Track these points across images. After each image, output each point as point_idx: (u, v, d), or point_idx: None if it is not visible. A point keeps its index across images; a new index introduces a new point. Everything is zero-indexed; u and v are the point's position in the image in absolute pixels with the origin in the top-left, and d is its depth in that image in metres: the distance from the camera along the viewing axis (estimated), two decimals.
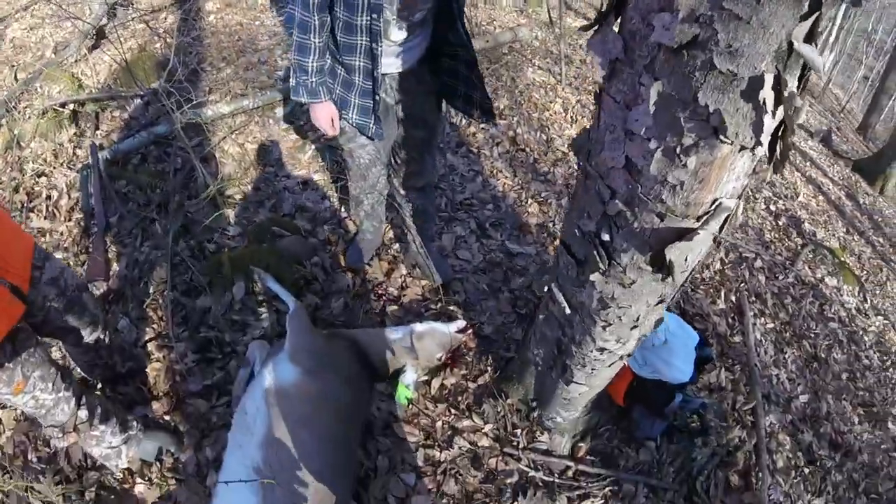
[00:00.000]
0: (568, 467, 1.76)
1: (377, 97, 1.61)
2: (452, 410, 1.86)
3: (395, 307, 2.19)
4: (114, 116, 2.95)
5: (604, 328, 1.14)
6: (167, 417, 1.72)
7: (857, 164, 6.96)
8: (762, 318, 2.89)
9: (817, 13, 0.60)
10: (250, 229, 2.36)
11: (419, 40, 1.59)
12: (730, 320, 2.71)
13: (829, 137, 7.35)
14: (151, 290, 2.09)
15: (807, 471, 2.16)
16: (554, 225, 2.81)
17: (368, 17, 1.43)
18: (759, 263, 3.27)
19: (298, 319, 1.74)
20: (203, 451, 1.61)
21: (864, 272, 4.27)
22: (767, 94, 0.66)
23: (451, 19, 1.55)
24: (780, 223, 4.01)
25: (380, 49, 1.49)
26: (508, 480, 1.69)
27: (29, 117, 2.97)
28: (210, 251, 2.25)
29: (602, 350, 1.21)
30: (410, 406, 1.83)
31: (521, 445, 1.77)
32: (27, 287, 1.18)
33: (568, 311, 1.21)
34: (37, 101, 3.22)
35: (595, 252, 1.02)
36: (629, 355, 1.31)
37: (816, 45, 0.63)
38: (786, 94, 0.66)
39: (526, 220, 2.82)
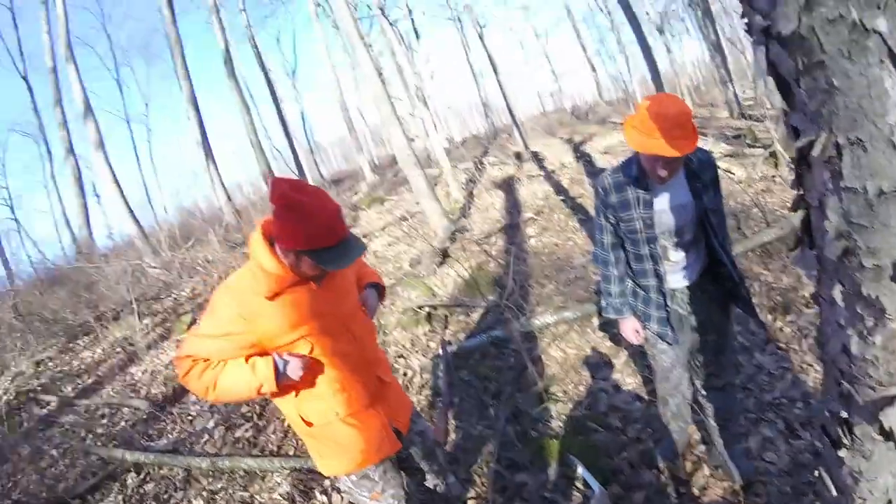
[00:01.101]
0: None
1: (668, 309, 1.88)
2: None
3: None
4: (460, 320, 3.88)
5: None
6: None
7: None
8: None
9: None
10: (568, 422, 2.67)
11: (695, 257, 1.87)
12: None
13: None
14: (479, 460, 2.51)
15: None
16: None
17: (649, 248, 1.81)
18: None
19: (602, 502, 1.89)
20: None
21: None
22: None
23: (711, 233, 1.80)
24: None
25: (663, 269, 1.83)
26: None
27: (393, 313, 4.02)
28: (533, 436, 2.61)
29: None
30: None
31: None
32: (405, 432, 1.68)
33: (834, 493, 1.14)
34: (399, 301, 4.41)
35: (839, 429, 1.07)
36: None
37: None
38: None
39: None
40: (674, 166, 1.66)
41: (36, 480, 3.57)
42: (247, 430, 3.39)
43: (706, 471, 2.29)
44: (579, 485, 2.24)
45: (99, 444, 3.87)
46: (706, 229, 1.83)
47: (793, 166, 1.03)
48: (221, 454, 3.24)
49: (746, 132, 8.20)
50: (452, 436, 2.74)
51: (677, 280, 1.92)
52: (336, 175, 22.55)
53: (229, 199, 12.05)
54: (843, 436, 1.11)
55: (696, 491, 2.22)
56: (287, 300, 1.41)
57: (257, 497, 2.75)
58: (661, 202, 1.78)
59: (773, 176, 5.41)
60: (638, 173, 1.75)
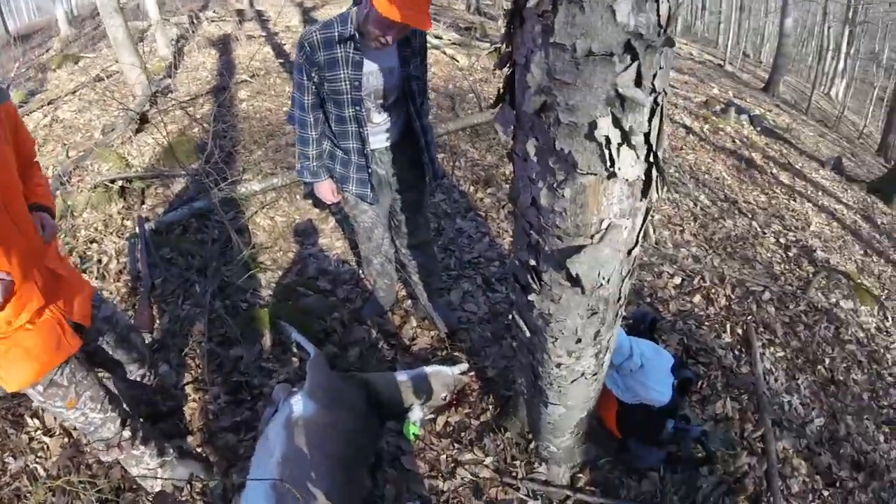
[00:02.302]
0: (568, 497, 1.83)
1: (370, 170, 1.93)
2: (456, 445, 1.99)
3: (406, 355, 2.38)
4: (158, 192, 3.35)
5: (553, 343, 1.30)
6: (200, 449, 1.93)
7: (872, 185, 6.81)
8: (772, 348, 2.89)
9: (637, 63, 0.80)
10: (278, 290, 2.66)
11: (395, 118, 1.94)
12: (736, 352, 2.74)
13: (839, 164, 7.30)
14: (190, 342, 2.36)
15: (826, 493, 2.12)
16: None
17: (353, 109, 1.79)
18: (767, 296, 3.29)
19: (317, 363, 1.96)
20: (230, 478, 1.81)
21: (885, 291, 4.18)
22: (609, 133, 0.87)
23: (410, 98, 1.88)
24: (791, 254, 4.03)
25: (366, 132, 1.85)
26: None
27: (81, 191, 3.35)
28: (243, 309, 2.53)
29: (559, 365, 1.36)
30: (417, 441, 1.97)
31: (520, 476, 1.87)
32: (88, 323, 1.44)
33: (528, 333, 1.38)
34: (88, 176, 3.64)
35: (528, 276, 1.22)
36: (595, 375, 1.45)
37: (647, 84, 0.83)
38: (626, 128, 0.86)
39: None
40: (399, 35, 1.63)
41: None
42: None
43: (414, 323, 2.54)
44: (295, 350, 2.28)
45: None
46: (408, 94, 1.85)
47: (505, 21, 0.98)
48: None
49: (478, 27, 8.80)
50: (159, 321, 2.47)
51: (379, 141, 1.94)
52: (26, 29, 16.39)
53: None
54: (532, 282, 1.23)
55: (406, 342, 2.46)
56: None
57: None
58: (370, 65, 1.74)
59: (494, 69, 5.97)
60: (352, 33, 1.65)
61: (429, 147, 2.00)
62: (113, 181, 3.37)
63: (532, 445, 1.92)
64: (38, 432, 2.03)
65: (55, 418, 2.01)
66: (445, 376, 2.06)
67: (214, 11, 8.72)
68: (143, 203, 3.29)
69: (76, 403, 1.40)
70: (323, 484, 1.49)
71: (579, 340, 1.28)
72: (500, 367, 2.33)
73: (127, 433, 1.55)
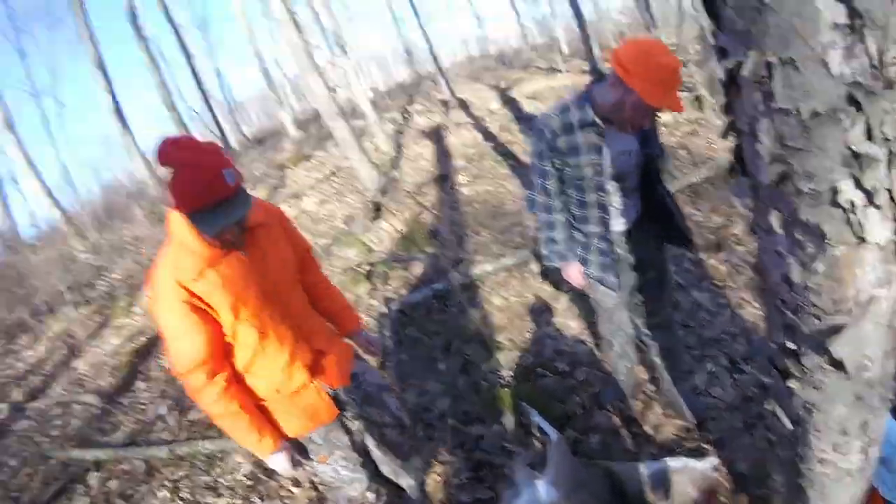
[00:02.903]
0: None
1: (613, 254, 1.89)
2: None
3: (650, 445, 2.22)
4: (400, 275, 3.82)
5: (816, 436, 1.13)
6: None
7: None
8: None
9: (862, 114, 0.70)
10: (517, 370, 2.73)
11: (636, 199, 1.89)
12: None
13: None
14: (434, 417, 2.53)
15: None
16: None
17: (596, 194, 1.77)
18: None
19: (560, 449, 1.94)
20: None
21: None
22: (852, 196, 0.76)
23: (656, 177, 1.83)
24: None
25: (609, 216, 1.81)
26: None
27: (333, 275, 3.92)
28: (484, 388, 2.64)
29: (822, 461, 1.16)
30: None
31: None
32: (347, 383, 1.60)
33: (790, 426, 1.22)
34: (337, 262, 4.34)
35: (787, 361, 1.09)
36: (862, 472, 1.19)
37: (877, 135, 0.73)
38: (868, 187, 0.75)
39: None
40: (654, 117, 1.64)
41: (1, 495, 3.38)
42: (200, 412, 3.26)
43: (657, 410, 2.36)
44: (536, 432, 2.28)
45: (56, 446, 3.72)
46: (650, 172, 1.83)
47: (718, 108, 1.00)
48: (179, 440, 3.16)
49: None
50: (405, 395, 2.74)
51: (618, 224, 1.92)
52: (259, 133, 21.23)
53: (150, 169, 11.07)
54: (791, 367, 1.13)
55: (649, 430, 2.30)
56: (216, 278, 1.30)
57: (221, 480, 2.68)
58: (611, 148, 1.72)
59: (699, 119, 5.64)
60: (593, 119, 1.66)
61: (678, 210, 1.91)
62: (359, 265, 3.97)
63: None
64: (289, 482, 2.41)
65: (305, 471, 2.31)
66: (693, 472, 1.86)
67: (421, 104, 9.99)
68: (387, 284, 3.80)
69: (328, 460, 1.57)
70: None
71: (845, 432, 1.09)
72: (752, 460, 2.03)
73: (371, 496, 1.66)
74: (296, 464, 1.50)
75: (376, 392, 1.75)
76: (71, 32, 20.93)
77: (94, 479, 3.20)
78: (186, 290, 1.27)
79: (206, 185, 1.18)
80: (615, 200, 1.85)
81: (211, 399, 1.36)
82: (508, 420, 2.37)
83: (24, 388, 5.07)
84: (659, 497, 1.86)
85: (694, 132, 5.47)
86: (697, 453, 2.10)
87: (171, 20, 16.15)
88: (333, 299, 1.70)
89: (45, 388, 4.87)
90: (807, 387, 1.11)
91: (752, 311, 2.88)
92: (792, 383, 1.14)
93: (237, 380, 1.42)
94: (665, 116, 6.12)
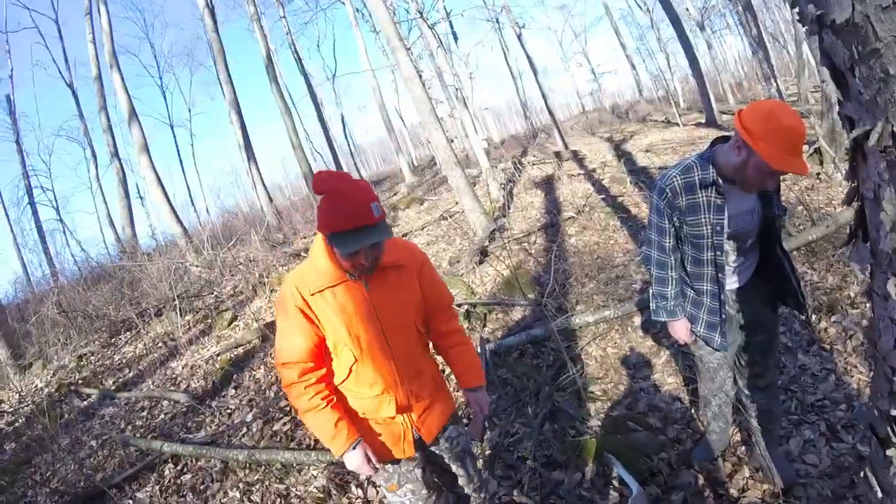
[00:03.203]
0: None
1: (723, 315, 1.83)
2: None
3: None
4: (498, 318, 3.89)
5: None
6: None
7: None
8: None
9: None
10: (607, 421, 2.66)
11: (752, 259, 1.84)
12: None
13: None
14: (515, 458, 2.54)
15: None
16: None
17: (713, 253, 1.75)
18: None
19: (639, 502, 1.87)
20: None
21: None
22: None
23: (775, 238, 1.78)
24: None
25: (724, 276, 1.78)
26: None
27: None
28: (570, 436, 2.61)
29: None
30: None
31: None
32: (429, 440, 1.65)
33: (880, 494, 1.07)
34: None
35: (889, 428, 1.01)
36: None
37: None
38: None
39: None
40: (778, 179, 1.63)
41: (74, 470, 3.68)
42: (284, 424, 3.46)
43: (746, 472, 2.25)
44: (617, 484, 2.24)
45: (138, 435, 3.97)
46: (770, 233, 1.80)
47: (839, 162, 1.01)
48: (259, 447, 3.29)
49: None
50: (490, 434, 2.77)
51: (731, 282, 1.89)
52: (375, 176, 22.88)
53: (270, 199, 12.41)
54: (892, 435, 1.07)
55: (734, 493, 2.19)
56: (332, 299, 1.44)
57: (293, 489, 2.81)
58: (732, 208, 1.72)
59: (818, 173, 5.22)
60: (715, 178, 1.68)
61: (794, 272, 1.82)
62: (459, 305, 4.04)
63: None
64: (359, 501, 2.48)
65: (377, 492, 2.37)
66: None
67: (535, 155, 10.22)
68: (485, 326, 3.86)
69: (396, 490, 1.62)
70: None
71: None
72: None
73: None
74: (371, 465, 1.55)
75: (462, 455, 1.79)
76: (210, 75, 24.14)
77: (168, 470, 3.35)
78: (303, 298, 1.44)
79: (354, 210, 1.30)
80: (731, 259, 1.83)
81: (298, 392, 1.48)
82: (590, 469, 2.32)
83: (118, 378, 5.48)
84: None
85: (813, 187, 5.03)
86: None
87: (303, 70, 18.25)
88: (463, 353, 1.76)
89: (138, 381, 5.20)
90: None
91: (859, 377, 2.63)
92: (891, 451, 1.06)
93: (332, 386, 1.55)
94: None
